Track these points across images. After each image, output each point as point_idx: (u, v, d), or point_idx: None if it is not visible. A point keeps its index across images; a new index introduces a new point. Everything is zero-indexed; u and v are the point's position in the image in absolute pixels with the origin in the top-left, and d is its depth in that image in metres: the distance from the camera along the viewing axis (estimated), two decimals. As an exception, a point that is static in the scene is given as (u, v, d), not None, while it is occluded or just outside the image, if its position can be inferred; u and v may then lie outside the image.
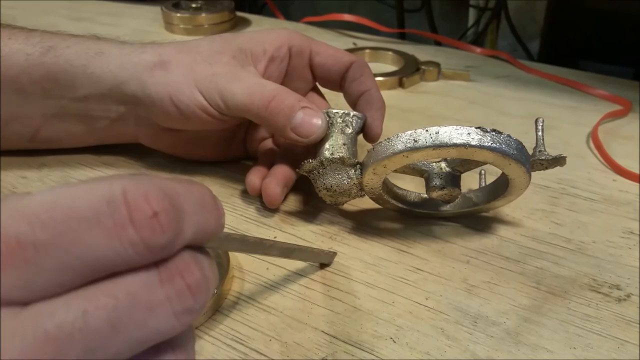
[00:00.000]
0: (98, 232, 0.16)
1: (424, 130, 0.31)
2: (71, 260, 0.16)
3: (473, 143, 0.30)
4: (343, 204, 0.38)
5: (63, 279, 0.16)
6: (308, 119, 0.36)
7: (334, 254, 0.35)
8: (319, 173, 0.36)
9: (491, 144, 0.31)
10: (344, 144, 0.37)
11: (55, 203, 0.16)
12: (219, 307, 0.32)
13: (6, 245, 0.15)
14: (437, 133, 0.31)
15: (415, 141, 0.31)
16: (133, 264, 0.17)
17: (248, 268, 0.35)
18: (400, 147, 0.31)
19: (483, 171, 0.40)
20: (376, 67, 0.59)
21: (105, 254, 0.16)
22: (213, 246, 0.21)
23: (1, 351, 0.15)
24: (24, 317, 0.16)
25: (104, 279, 0.16)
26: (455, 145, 0.30)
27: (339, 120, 0.37)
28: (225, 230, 0.21)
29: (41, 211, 0.16)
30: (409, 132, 0.31)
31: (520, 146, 0.32)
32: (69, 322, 0.16)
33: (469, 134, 0.31)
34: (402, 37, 0.90)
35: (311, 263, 0.35)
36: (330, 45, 0.43)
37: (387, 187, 0.38)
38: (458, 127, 0.31)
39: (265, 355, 0.29)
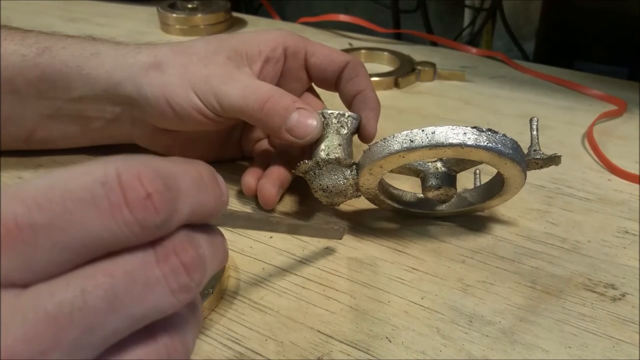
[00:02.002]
0: (94, 213, 0.16)
1: (420, 130, 0.31)
2: (68, 240, 0.16)
3: (469, 143, 0.30)
4: (339, 205, 0.38)
5: (61, 259, 0.16)
6: (303, 119, 0.36)
7: (344, 229, 0.35)
8: (314, 174, 0.36)
9: (487, 143, 0.31)
10: (340, 145, 0.37)
11: (51, 186, 0.16)
12: (215, 306, 0.32)
13: (5, 228, 0.15)
14: (433, 133, 0.31)
15: (412, 141, 0.31)
16: (129, 243, 0.17)
17: (244, 268, 0.35)
18: (396, 147, 0.31)
19: (478, 171, 0.40)
20: (372, 67, 0.59)
21: (102, 234, 0.16)
22: (218, 224, 0.20)
23: (4, 332, 0.15)
24: (25, 298, 0.16)
25: (102, 258, 0.17)
26: (452, 145, 0.30)
27: (334, 121, 0.37)
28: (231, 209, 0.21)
29: (38, 194, 0.16)
30: (405, 132, 0.31)
31: (515, 145, 0.32)
32: (68, 301, 0.16)
33: (465, 133, 0.31)
34: (398, 37, 0.90)
35: (321, 239, 0.34)
36: (325, 46, 0.43)
37: (383, 187, 0.38)
38: (454, 126, 0.31)
39: (261, 355, 0.29)
